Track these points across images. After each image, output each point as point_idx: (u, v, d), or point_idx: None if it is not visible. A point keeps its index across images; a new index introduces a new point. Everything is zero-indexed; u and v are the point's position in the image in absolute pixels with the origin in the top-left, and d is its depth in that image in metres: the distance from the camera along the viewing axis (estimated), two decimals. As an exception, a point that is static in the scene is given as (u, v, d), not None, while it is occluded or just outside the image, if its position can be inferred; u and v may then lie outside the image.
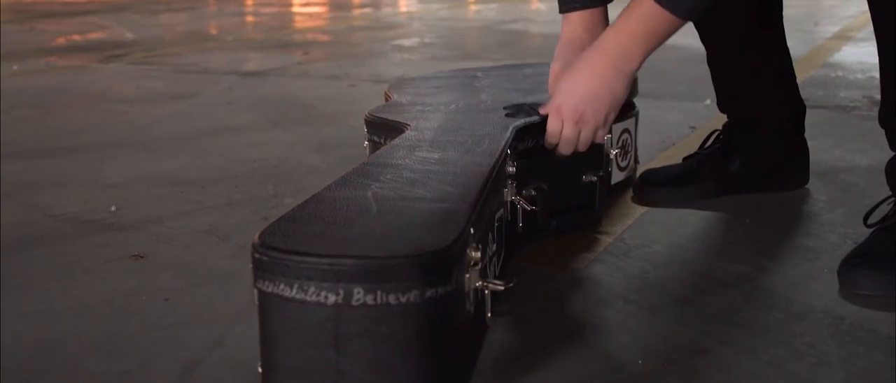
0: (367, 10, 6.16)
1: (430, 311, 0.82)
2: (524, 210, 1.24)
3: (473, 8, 6.21)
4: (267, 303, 0.83)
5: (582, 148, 1.31)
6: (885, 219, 1.23)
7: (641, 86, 1.51)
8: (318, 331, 0.80)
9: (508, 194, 1.21)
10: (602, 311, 1.13)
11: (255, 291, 0.84)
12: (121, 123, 2.35)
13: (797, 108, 1.57)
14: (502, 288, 0.94)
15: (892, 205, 1.25)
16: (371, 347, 0.80)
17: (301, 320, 0.81)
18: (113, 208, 1.57)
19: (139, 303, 1.18)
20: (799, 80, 1.58)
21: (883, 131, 1.30)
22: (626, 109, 1.63)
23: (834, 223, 1.43)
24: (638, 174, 1.61)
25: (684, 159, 1.61)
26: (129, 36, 4.58)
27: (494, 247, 1.10)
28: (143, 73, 3.23)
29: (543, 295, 1.18)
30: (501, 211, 1.17)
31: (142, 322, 1.13)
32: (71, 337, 1.09)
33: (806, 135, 1.59)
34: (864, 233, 1.27)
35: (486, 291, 0.95)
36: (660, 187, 1.56)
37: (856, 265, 1.17)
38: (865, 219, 1.25)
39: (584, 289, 1.20)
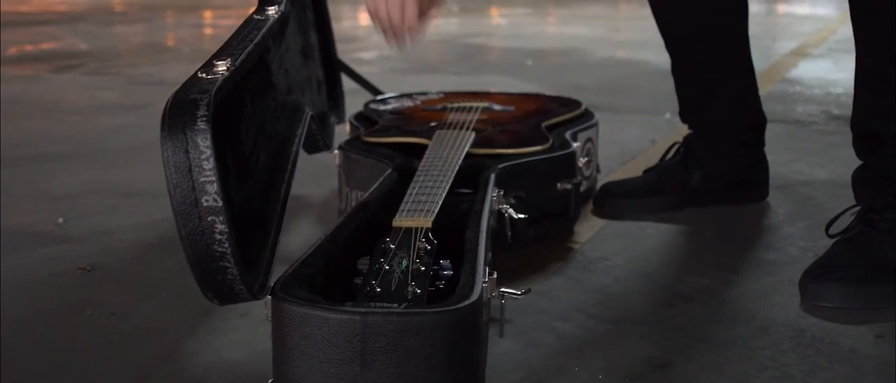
0: (326, 22, 6.12)
1: (457, 323, 0.80)
2: (512, 219, 1.23)
3: (434, 22, 6.20)
4: (284, 317, 0.80)
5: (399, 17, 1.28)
6: (846, 230, 1.23)
7: (600, 99, 1.49)
8: (344, 346, 0.77)
9: (496, 202, 1.19)
10: (561, 325, 1.11)
11: (269, 304, 0.82)
12: (72, 133, 2.30)
13: (759, 121, 1.56)
14: (521, 295, 0.92)
15: (854, 215, 1.24)
16: (398, 361, 0.77)
17: (324, 335, 0.78)
18: (60, 220, 1.52)
19: (85, 318, 1.14)
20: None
21: (840, 146, 1.31)
22: (587, 117, 1.62)
23: (794, 236, 1.42)
24: (598, 186, 1.60)
25: (645, 172, 1.60)
26: (83, 46, 4.51)
27: (489, 256, 1.09)
28: (96, 84, 3.17)
29: (501, 308, 1.16)
30: (491, 219, 1.15)
31: (88, 336, 1.09)
32: (15, 352, 1.04)
33: (765, 148, 1.59)
34: (824, 245, 1.27)
35: (503, 301, 0.94)
36: (620, 199, 1.54)
37: (817, 276, 1.17)
38: (827, 229, 1.25)
39: (543, 303, 1.18)
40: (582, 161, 1.49)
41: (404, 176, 1.27)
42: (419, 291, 0.83)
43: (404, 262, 0.88)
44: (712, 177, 1.53)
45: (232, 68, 0.88)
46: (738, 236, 1.43)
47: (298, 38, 1.45)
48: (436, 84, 3.15)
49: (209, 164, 0.74)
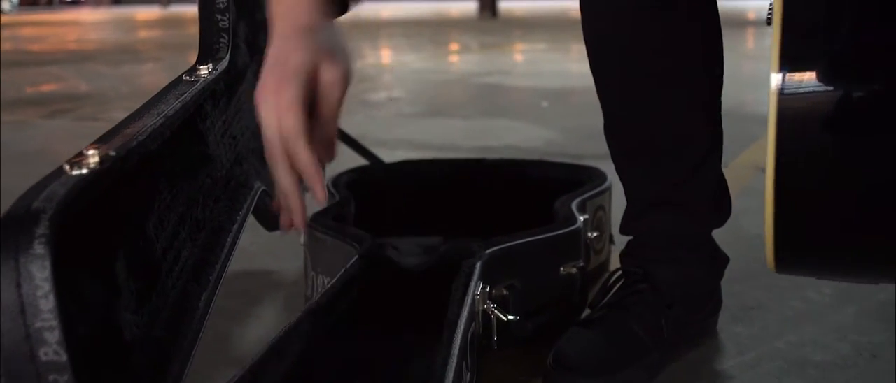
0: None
1: None
2: (500, 319, 1.01)
3: (452, 59, 6.03)
4: None
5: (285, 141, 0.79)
6: None
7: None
8: None
9: (479, 302, 0.98)
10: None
11: None
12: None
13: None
14: None
15: None
16: None
17: None
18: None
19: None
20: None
21: None
22: (598, 181, 1.40)
23: (844, 327, 1.19)
24: (612, 259, 1.38)
25: (594, 307, 1.13)
26: (84, 88, 4.36)
27: (468, 376, 0.88)
28: (86, 131, 3.00)
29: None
30: (473, 325, 0.94)
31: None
32: None
33: None
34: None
35: None
36: (585, 379, 1.00)
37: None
38: None
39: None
40: (592, 235, 1.28)
41: (373, 264, 1.06)
42: None
43: None
44: (688, 304, 1.11)
45: (116, 153, 0.68)
46: (773, 327, 1.21)
47: (260, 94, 1.25)
48: (443, 129, 2.96)
49: (48, 304, 0.54)
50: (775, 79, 0.64)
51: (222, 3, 1.06)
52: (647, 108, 1.06)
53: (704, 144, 1.07)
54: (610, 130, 1.12)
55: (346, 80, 0.83)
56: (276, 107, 0.78)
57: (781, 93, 0.64)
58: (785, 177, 0.65)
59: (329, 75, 0.81)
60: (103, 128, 2.88)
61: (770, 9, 0.85)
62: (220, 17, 1.05)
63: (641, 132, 1.08)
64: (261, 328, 1.24)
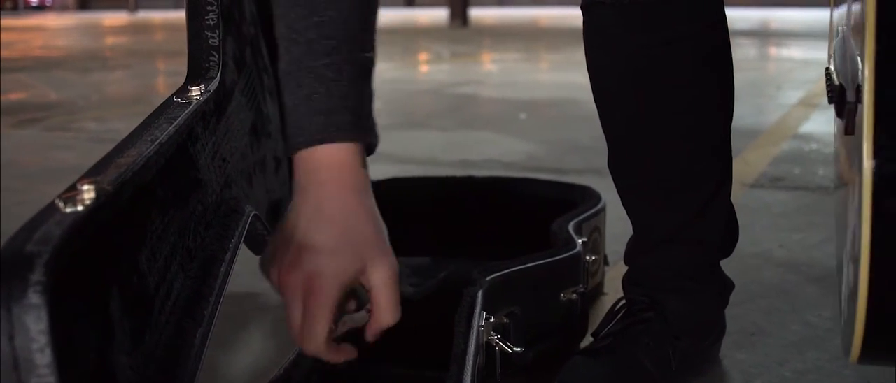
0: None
1: None
2: (505, 352, 0.97)
3: (424, 69, 6.00)
4: None
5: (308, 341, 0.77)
6: None
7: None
8: None
9: (484, 334, 0.94)
10: None
11: None
12: (9, 206, 2.05)
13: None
14: None
15: None
16: None
17: None
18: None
19: None
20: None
21: None
22: (593, 202, 1.37)
23: (847, 353, 1.17)
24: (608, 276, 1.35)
25: (597, 335, 1.09)
26: (53, 96, 4.28)
27: None
28: (55, 142, 2.93)
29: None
30: (479, 357, 0.90)
31: None
32: None
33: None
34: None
35: None
36: None
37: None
38: None
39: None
40: (589, 259, 1.24)
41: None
42: None
43: None
44: (699, 335, 1.08)
45: (112, 187, 0.64)
46: (776, 352, 1.18)
47: (247, 112, 1.21)
48: (421, 142, 2.92)
49: (45, 358, 0.49)
50: (869, 170, 0.61)
51: (212, 19, 1.02)
52: (660, 148, 1.03)
53: (717, 178, 1.04)
54: (616, 165, 1.08)
55: (397, 275, 0.77)
56: (304, 309, 0.75)
57: (878, 185, 0.61)
58: (881, 270, 0.62)
59: (380, 276, 0.76)
60: (72, 138, 2.82)
61: (829, 88, 0.81)
62: (209, 33, 1.01)
63: (653, 170, 1.05)
64: (249, 356, 1.19)
